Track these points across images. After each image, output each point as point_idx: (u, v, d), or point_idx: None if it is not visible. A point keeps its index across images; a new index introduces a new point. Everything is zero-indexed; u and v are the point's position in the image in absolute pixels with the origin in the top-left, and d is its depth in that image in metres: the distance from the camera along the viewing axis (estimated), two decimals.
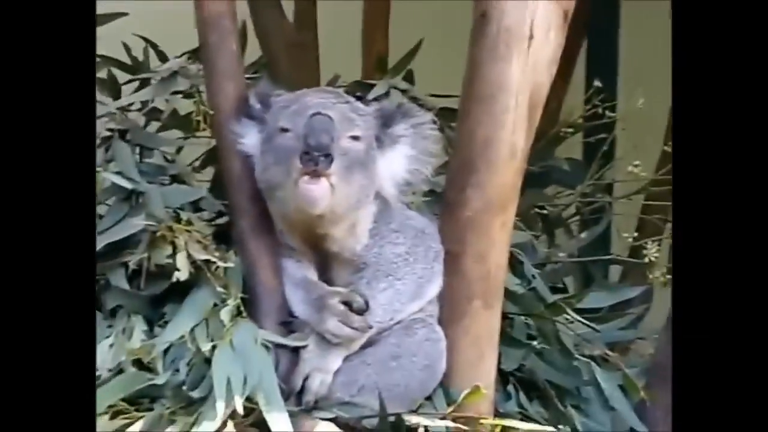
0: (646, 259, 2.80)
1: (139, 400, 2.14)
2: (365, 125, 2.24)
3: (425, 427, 2.16)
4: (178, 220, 2.27)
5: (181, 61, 2.61)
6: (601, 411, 2.45)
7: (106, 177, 2.32)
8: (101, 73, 2.63)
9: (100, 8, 2.46)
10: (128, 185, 2.32)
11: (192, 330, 2.17)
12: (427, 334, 2.29)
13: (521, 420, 2.30)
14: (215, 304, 2.20)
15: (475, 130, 2.31)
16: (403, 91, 2.74)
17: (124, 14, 2.66)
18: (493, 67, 2.29)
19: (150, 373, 2.16)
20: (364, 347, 2.24)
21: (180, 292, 2.22)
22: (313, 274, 2.30)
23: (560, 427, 2.24)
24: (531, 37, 2.29)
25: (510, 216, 2.34)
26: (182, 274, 2.19)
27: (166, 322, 2.22)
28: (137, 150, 2.46)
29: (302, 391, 2.20)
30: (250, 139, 2.28)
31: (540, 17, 2.29)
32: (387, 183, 2.27)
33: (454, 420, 2.20)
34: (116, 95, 2.62)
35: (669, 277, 2.74)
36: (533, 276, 2.53)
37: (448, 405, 2.25)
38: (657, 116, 3.06)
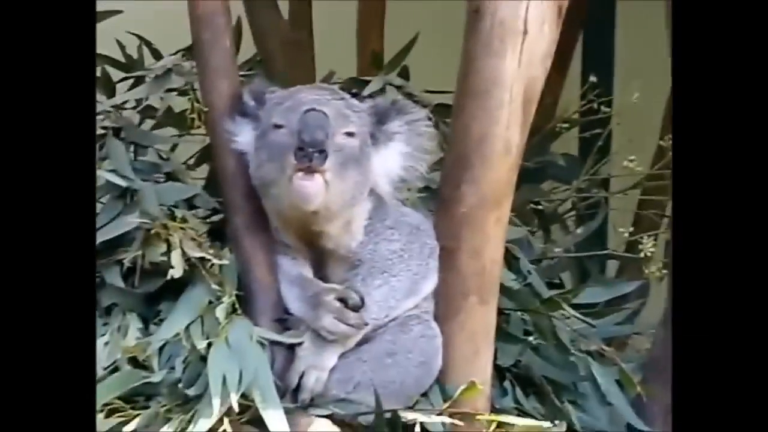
0: (642, 254, 2.80)
1: (135, 398, 2.14)
2: (360, 122, 2.24)
3: (421, 423, 2.16)
4: (173, 217, 2.27)
5: (175, 59, 2.61)
6: (598, 406, 2.45)
7: (101, 175, 2.31)
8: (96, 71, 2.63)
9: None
10: (123, 183, 2.31)
11: (187, 327, 2.17)
12: (422, 330, 2.28)
13: (517, 416, 2.30)
14: (210, 302, 2.20)
15: (469, 126, 2.31)
16: (399, 88, 2.74)
17: (119, 12, 2.66)
18: (487, 63, 2.29)
19: (145, 371, 2.16)
20: (359, 344, 2.24)
21: (175, 289, 2.22)
22: (308, 271, 2.30)
23: (556, 422, 2.23)
24: (525, 32, 2.29)
25: (505, 211, 2.34)
26: (177, 271, 2.18)
27: (162, 320, 2.21)
28: (132, 148, 2.46)
29: (298, 388, 2.19)
30: (244, 136, 2.28)
31: (534, 12, 2.28)
32: (382, 180, 2.27)
33: (450, 416, 2.20)
34: (111, 93, 2.63)
35: (665, 272, 2.74)
36: (529, 271, 2.52)
37: (444, 401, 2.25)
38: (653, 111, 3.06)
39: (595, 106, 3.01)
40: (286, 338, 2.21)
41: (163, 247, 2.21)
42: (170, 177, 2.43)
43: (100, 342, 2.18)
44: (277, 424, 2.07)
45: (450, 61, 2.40)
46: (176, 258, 2.19)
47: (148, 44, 2.76)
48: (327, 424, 2.16)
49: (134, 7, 2.74)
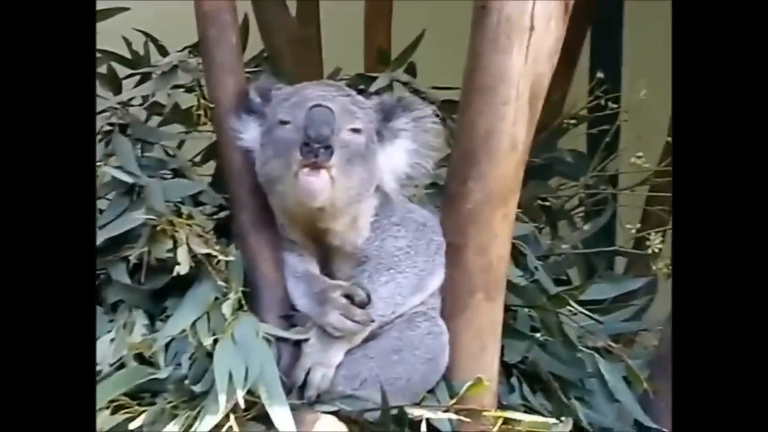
0: (650, 251, 2.80)
1: (141, 395, 2.14)
2: (366, 118, 2.23)
3: (427, 419, 2.16)
4: (179, 214, 2.27)
5: (181, 55, 2.60)
6: (605, 403, 2.44)
7: (107, 171, 2.32)
8: (102, 68, 2.63)
9: (101, 3, 2.47)
10: (128, 179, 2.31)
11: (193, 324, 2.17)
12: (429, 327, 2.28)
13: (524, 412, 2.30)
14: (216, 298, 2.20)
15: (476, 122, 2.30)
16: (405, 84, 2.74)
17: (126, 9, 2.66)
18: (493, 59, 2.29)
19: (151, 367, 2.16)
20: (366, 341, 2.24)
21: (181, 286, 2.22)
22: (314, 268, 2.30)
23: (563, 418, 2.23)
24: (532, 28, 2.28)
25: (512, 208, 2.33)
26: (183, 268, 2.18)
27: (168, 317, 2.21)
28: (138, 144, 2.46)
29: (304, 385, 2.19)
30: (250, 133, 2.27)
31: (540, 8, 2.28)
32: (388, 177, 2.27)
33: (456, 412, 2.20)
34: (117, 90, 2.63)
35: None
36: (536, 268, 2.52)
37: (451, 398, 2.25)
38: (660, 107, 3.04)
39: (603, 102, 3.00)
40: (293, 335, 2.21)
41: (170, 244, 2.21)
42: (177, 173, 2.44)
43: (106, 338, 2.19)
44: (283, 421, 2.07)
45: (457, 57, 2.40)
46: (182, 254, 2.19)
47: (155, 41, 2.76)
48: (333, 420, 2.16)
49: (141, 4, 2.74)
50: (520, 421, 2.20)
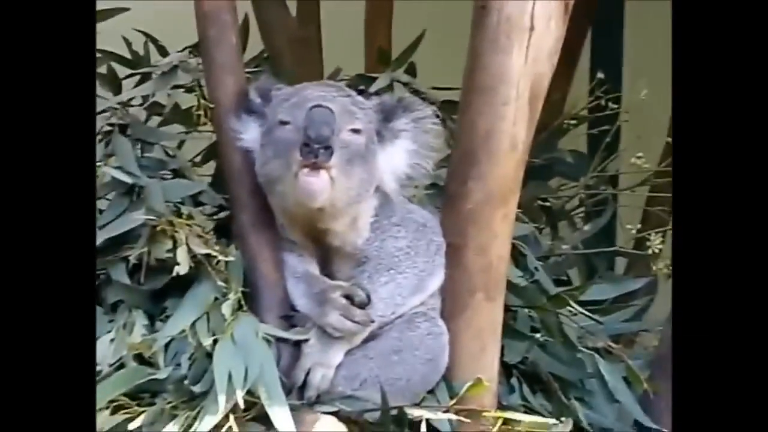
0: (650, 251, 2.80)
1: (141, 395, 2.14)
2: (366, 119, 2.23)
3: (427, 420, 2.16)
4: (179, 214, 2.27)
5: (181, 56, 2.60)
6: (605, 403, 2.44)
7: (107, 171, 2.32)
8: (102, 68, 2.63)
9: (102, 3, 2.47)
10: (128, 180, 2.31)
11: (193, 324, 2.17)
12: (429, 327, 2.28)
13: (524, 413, 2.29)
14: (216, 298, 2.20)
15: (476, 122, 2.30)
16: (405, 84, 2.74)
17: (126, 9, 2.66)
18: (493, 59, 2.29)
19: (151, 367, 2.15)
20: (366, 341, 2.23)
21: (181, 286, 2.22)
22: (314, 268, 2.29)
23: (563, 419, 2.23)
24: (532, 28, 2.28)
25: (512, 208, 2.33)
26: (182, 268, 2.18)
27: (167, 317, 2.21)
28: (138, 145, 2.45)
29: (304, 385, 2.19)
30: (250, 134, 2.27)
31: (540, 8, 2.28)
32: (388, 177, 2.27)
33: (456, 413, 2.20)
34: (117, 90, 2.63)
35: None
36: (536, 268, 2.52)
37: (451, 398, 2.25)
38: (661, 108, 3.04)
39: (603, 102, 3.00)
40: (292, 335, 2.21)
41: (169, 244, 2.21)
42: (176, 174, 2.44)
43: (105, 339, 2.19)
44: (282, 422, 2.06)
45: (457, 57, 2.40)
46: (182, 255, 2.19)
47: (155, 41, 2.76)
48: (333, 421, 2.15)
49: (141, 4, 2.74)
50: (520, 421, 2.20)
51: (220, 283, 2.20)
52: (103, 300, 2.25)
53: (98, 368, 2.14)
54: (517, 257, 2.49)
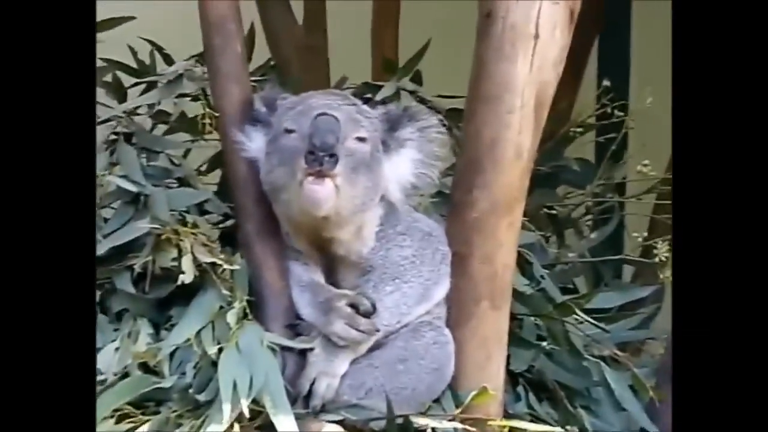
0: (657, 259, 2.78)
1: (145, 404, 2.14)
2: (371, 127, 2.23)
3: (433, 428, 2.15)
4: (184, 223, 2.28)
5: (187, 64, 2.61)
6: (611, 411, 2.43)
7: (112, 180, 2.32)
8: (107, 77, 2.64)
9: (107, 12, 2.48)
10: (133, 188, 2.31)
11: (198, 333, 2.17)
12: (434, 336, 2.27)
13: (531, 421, 2.29)
14: (221, 307, 2.20)
15: (481, 131, 2.30)
16: (411, 93, 2.74)
17: (131, 18, 2.66)
18: (498, 67, 2.28)
19: (156, 376, 2.16)
20: (371, 350, 2.23)
21: (186, 295, 2.22)
22: (319, 277, 2.29)
23: (569, 427, 2.22)
24: (536, 36, 2.28)
25: (517, 216, 2.33)
26: (188, 276, 2.18)
27: (172, 326, 2.21)
28: (143, 153, 2.46)
29: (309, 394, 2.19)
30: (255, 143, 2.27)
31: (545, 16, 2.28)
32: (393, 186, 2.26)
33: (462, 422, 2.19)
34: (122, 98, 2.63)
35: None
36: (542, 276, 2.51)
37: (457, 407, 2.24)
38: (667, 115, 3.03)
39: (610, 110, 2.99)
40: (297, 344, 2.21)
41: (174, 253, 2.21)
42: (182, 182, 2.44)
43: (110, 347, 2.19)
44: (288, 430, 2.06)
45: (462, 65, 2.40)
46: (187, 263, 2.19)
47: (160, 50, 2.77)
48: (338, 430, 2.15)
49: (147, 13, 2.74)
50: (526, 430, 2.19)
51: (225, 291, 2.20)
52: (108, 309, 2.25)
53: (103, 377, 2.14)
54: (524, 265, 2.49)
